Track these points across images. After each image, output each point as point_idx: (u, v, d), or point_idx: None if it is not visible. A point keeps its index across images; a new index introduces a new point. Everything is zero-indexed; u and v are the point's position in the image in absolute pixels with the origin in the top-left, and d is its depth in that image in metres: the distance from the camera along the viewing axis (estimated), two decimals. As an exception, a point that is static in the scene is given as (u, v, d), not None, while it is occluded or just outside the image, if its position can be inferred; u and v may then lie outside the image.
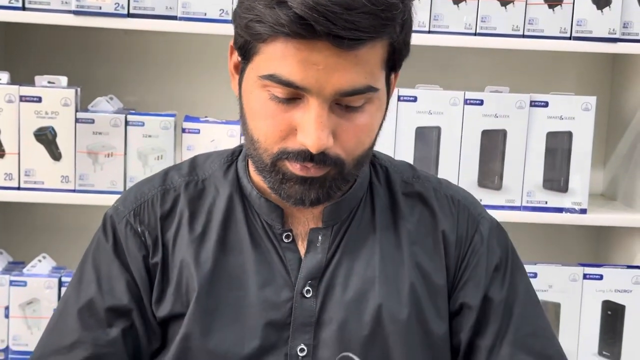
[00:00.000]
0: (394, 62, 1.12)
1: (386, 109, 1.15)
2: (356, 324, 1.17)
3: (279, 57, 1.05)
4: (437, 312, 1.20)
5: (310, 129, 1.06)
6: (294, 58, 1.04)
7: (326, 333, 1.17)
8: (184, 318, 1.17)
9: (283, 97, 1.07)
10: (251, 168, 1.20)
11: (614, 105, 2.33)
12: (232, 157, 1.25)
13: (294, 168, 1.10)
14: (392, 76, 1.15)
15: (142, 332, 1.19)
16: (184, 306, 1.18)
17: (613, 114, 2.33)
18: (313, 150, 1.07)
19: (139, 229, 1.20)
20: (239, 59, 1.13)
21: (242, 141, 1.20)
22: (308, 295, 1.18)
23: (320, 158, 1.08)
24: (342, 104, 1.08)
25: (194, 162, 1.26)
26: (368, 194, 1.23)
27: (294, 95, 1.07)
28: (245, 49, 1.10)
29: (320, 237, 1.19)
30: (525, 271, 1.27)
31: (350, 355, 0.92)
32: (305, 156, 1.08)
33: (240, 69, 1.13)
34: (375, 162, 1.26)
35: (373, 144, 1.15)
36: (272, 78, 1.06)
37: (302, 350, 1.17)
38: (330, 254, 1.19)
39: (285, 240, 1.19)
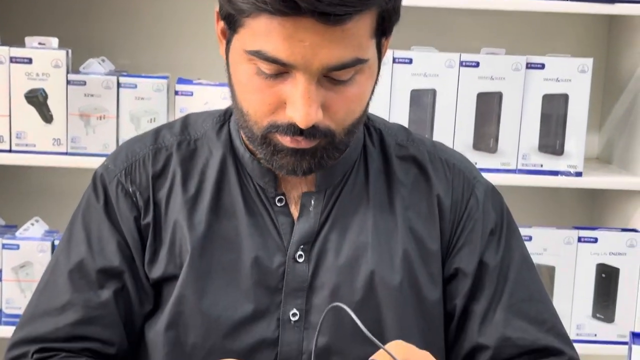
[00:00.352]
0: (383, 30, 1.09)
1: (378, 73, 1.13)
2: (348, 289, 1.17)
3: (264, 33, 1.03)
4: (431, 278, 1.19)
5: (299, 104, 1.05)
6: (278, 35, 1.01)
7: (318, 298, 1.17)
8: (177, 280, 1.16)
9: (270, 72, 1.05)
10: (241, 130, 1.19)
11: (610, 68, 2.32)
12: (225, 117, 1.24)
13: (285, 140, 1.09)
14: (384, 40, 1.12)
15: (134, 294, 1.18)
16: (177, 268, 1.17)
17: (609, 77, 2.32)
18: (302, 126, 1.06)
19: (131, 189, 1.19)
20: (226, 26, 1.11)
21: None
22: (300, 260, 1.17)
23: (310, 131, 1.07)
24: (331, 76, 1.06)
25: (186, 121, 1.24)
26: (361, 158, 1.22)
27: (281, 70, 1.05)
28: (230, 20, 1.07)
29: (312, 202, 1.18)
30: (521, 235, 1.26)
31: (341, 305, 0.91)
32: (294, 130, 1.07)
33: (227, 38, 1.11)
34: (369, 125, 1.24)
35: (365, 111, 1.14)
36: (257, 54, 1.04)
37: (294, 315, 1.17)
38: (323, 218, 1.19)
39: (278, 204, 1.18)
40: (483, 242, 1.21)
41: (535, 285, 1.24)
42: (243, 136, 1.19)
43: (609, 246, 2.07)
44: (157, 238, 1.18)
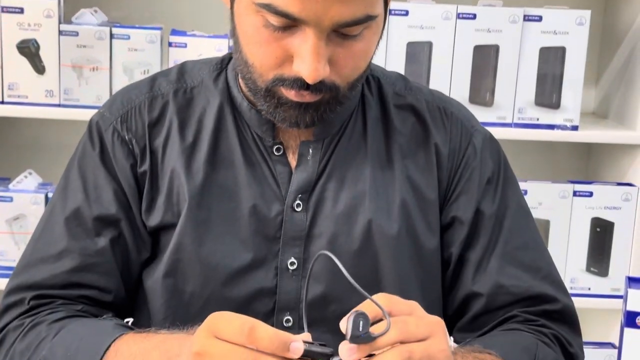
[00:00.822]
0: None
1: (383, 28, 1.13)
2: (346, 238, 1.16)
3: None
4: (429, 227, 1.19)
5: (307, 60, 1.03)
6: None
7: (316, 247, 1.16)
8: (174, 228, 1.16)
9: (279, 25, 1.04)
10: (242, 81, 1.18)
11: (608, 21, 2.30)
12: (222, 65, 1.22)
13: (289, 94, 1.08)
14: None
15: (131, 241, 1.17)
16: (174, 216, 1.16)
17: (606, 31, 2.30)
18: (309, 81, 1.05)
19: (127, 137, 1.17)
20: None
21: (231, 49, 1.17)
22: (298, 210, 1.17)
23: (316, 86, 1.06)
24: (340, 32, 1.05)
25: (182, 69, 1.23)
26: (359, 107, 1.21)
27: (290, 24, 1.04)
28: None
29: (310, 151, 1.17)
30: (518, 184, 1.25)
31: (327, 253, 0.91)
32: (301, 84, 1.06)
33: None
34: (368, 73, 1.23)
35: (368, 66, 1.13)
36: (267, 7, 1.02)
37: (292, 263, 1.16)
38: (321, 167, 1.18)
39: (276, 153, 1.17)
40: (480, 191, 1.20)
41: (530, 233, 1.24)
42: (242, 86, 1.18)
43: (604, 200, 2.07)
44: (153, 186, 1.18)
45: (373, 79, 1.23)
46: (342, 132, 1.19)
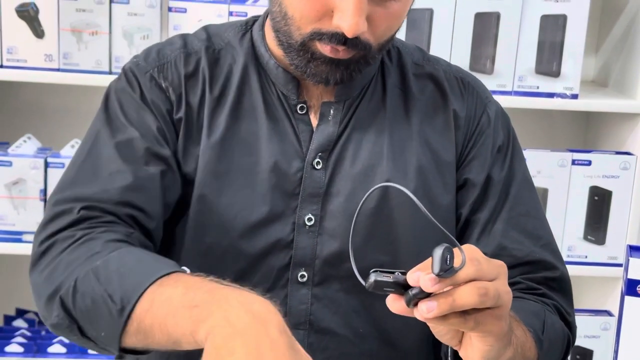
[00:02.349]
0: None
1: None
2: (363, 196, 1.17)
3: None
4: (445, 187, 1.23)
5: (349, 13, 1.06)
6: None
7: (333, 204, 1.20)
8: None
9: None
10: (270, 39, 1.21)
11: (609, -11, 2.29)
12: (247, 26, 1.25)
13: (324, 49, 1.11)
14: None
15: (174, 177, 1.17)
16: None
17: (607, 0, 2.29)
18: (349, 35, 1.08)
19: (163, 85, 1.19)
20: None
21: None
22: (318, 167, 1.20)
23: (352, 42, 1.10)
24: None
25: (208, 31, 1.25)
26: (379, 73, 1.25)
27: None
28: None
29: (332, 111, 1.21)
30: (524, 157, 1.30)
31: (395, 185, 0.93)
32: (339, 39, 1.09)
33: None
34: None
35: (398, 29, 1.17)
36: None
37: (309, 219, 1.19)
38: (341, 128, 1.21)
39: (299, 112, 1.21)
40: (491, 157, 1.25)
41: (533, 203, 1.28)
42: (271, 42, 1.21)
43: (602, 169, 2.08)
44: (189, 136, 1.19)
45: (393, 48, 1.28)
46: (362, 96, 1.23)
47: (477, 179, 1.24)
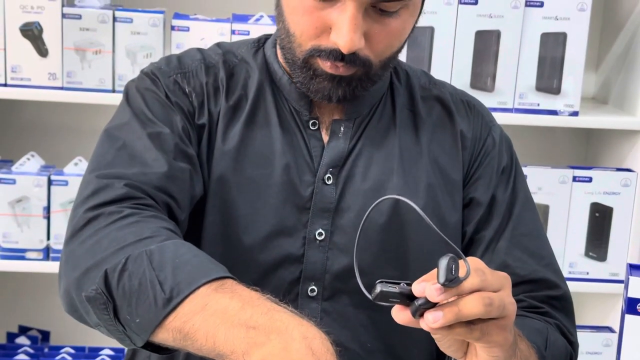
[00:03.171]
0: None
1: (420, 12, 1.19)
2: (373, 212, 1.18)
3: None
4: (453, 205, 1.25)
5: (344, 29, 1.09)
6: None
7: (344, 219, 1.21)
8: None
9: None
10: (281, 53, 1.22)
11: (609, 7, 2.30)
12: (259, 43, 1.28)
13: (325, 65, 1.14)
14: None
15: (197, 176, 1.17)
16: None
17: (607, 16, 2.31)
18: (344, 51, 1.10)
19: (187, 89, 1.20)
20: None
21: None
22: (329, 182, 1.21)
23: (350, 58, 1.12)
24: (378, 7, 1.10)
25: (221, 47, 1.27)
26: (389, 93, 1.28)
27: None
28: None
29: (342, 128, 1.23)
30: (525, 179, 1.33)
31: (401, 197, 0.93)
32: (336, 55, 1.12)
33: None
34: (396, 65, 1.30)
35: (401, 48, 1.18)
36: None
37: (320, 234, 1.20)
38: (352, 144, 1.23)
39: (311, 128, 1.23)
40: (496, 178, 1.27)
41: (535, 224, 1.30)
42: (282, 59, 1.23)
43: (603, 186, 2.08)
44: (208, 143, 1.20)
45: (402, 70, 1.31)
46: (372, 114, 1.25)
47: (483, 199, 1.26)
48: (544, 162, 2.18)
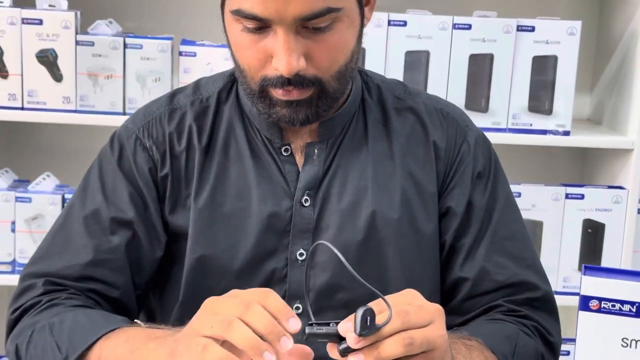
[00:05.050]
0: None
1: (362, 23, 1.20)
2: (351, 229, 1.25)
3: None
4: (427, 216, 1.28)
5: (281, 55, 1.12)
6: None
7: (323, 239, 1.24)
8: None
9: (252, 27, 1.14)
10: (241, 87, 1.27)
11: (602, 32, 2.37)
12: (233, 77, 1.31)
13: (277, 94, 1.17)
14: None
15: (146, 241, 1.25)
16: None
17: (601, 41, 2.37)
18: (285, 74, 1.13)
19: (147, 144, 1.27)
20: None
21: None
22: (306, 205, 1.26)
23: (297, 80, 1.15)
24: (309, 26, 1.13)
25: (197, 84, 1.33)
26: (360, 110, 1.30)
27: (262, 25, 1.13)
28: None
29: (316, 151, 1.27)
30: (507, 180, 1.35)
31: (325, 242, 1.00)
32: (283, 81, 1.15)
33: (220, 2, 1.20)
34: (367, 81, 1.33)
35: (351, 59, 1.20)
36: (238, 12, 1.13)
37: (301, 254, 1.25)
38: (326, 166, 1.27)
39: (284, 154, 1.26)
40: (472, 184, 1.30)
41: (517, 225, 1.33)
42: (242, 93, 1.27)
43: (595, 202, 2.14)
44: (177, 189, 1.26)
45: (373, 85, 1.33)
46: (345, 134, 1.28)
47: (458, 207, 1.28)
48: (537, 180, 2.23)
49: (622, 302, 0.95)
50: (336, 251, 0.97)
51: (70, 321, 1.15)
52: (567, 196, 2.15)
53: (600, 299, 0.96)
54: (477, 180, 1.30)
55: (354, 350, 0.95)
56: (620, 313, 0.95)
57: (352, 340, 0.94)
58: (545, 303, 1.29)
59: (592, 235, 2.14)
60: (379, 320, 0.94)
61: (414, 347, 0.95)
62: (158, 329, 1.11)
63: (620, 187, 2.16)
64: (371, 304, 0.96)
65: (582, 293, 0.97)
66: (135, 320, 1.14)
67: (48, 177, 2.16)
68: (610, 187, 2.17)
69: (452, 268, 1.30)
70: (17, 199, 2.08)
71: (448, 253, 1.30)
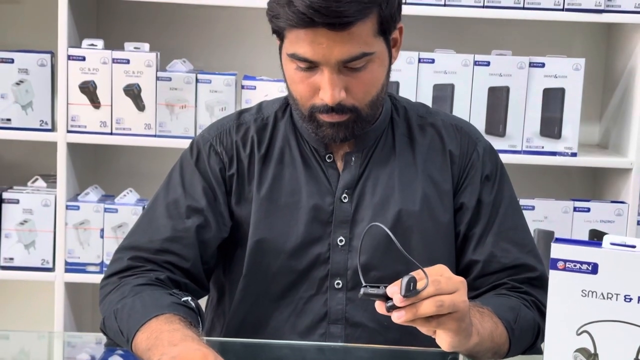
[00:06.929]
0: (384, 30, 1.38)
1: (390, 61, 1.43)
2: (381, 221, 1.42)
3: (296, 41, 1.35)
4: (444, 209, 1.48)
5: (326, 89, 1.35)
6: (305, 41, 1.33)
7: (359, 228, 1.45)
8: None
9: (304, 67, 1.36)
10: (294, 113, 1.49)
11: (609, 68, 2.55)
12: (287, 100, 1.53)
13: (323, 117, 1.39)
14: (392, 36, 1.41)
15: (214, 225, 1.46)
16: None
17: (607, 76, 2.56)
18: (330, 104, 1.36)
19: (219, 150, 1.49)
20: (276, 37, 1.41)
21: None
22: (345, 201, 1.46)
23: (339, 108, 1.37)
24: (348, 66, 1.35)
25: (260, 105, 1.56)
26: (389, 127, 1.50)
27: (312, 65, 1.35)
28: (277, 33, 1.41)
29: (353, 159, 1.47)
30: (510, 183, 1.54)
31: (378, 224, 1.20)
32: (327, 109, 1.37)
33: (279, 45, 1.41)
34: (396, 103, 1.54)
35: (381, 90, 1.41)
36: (294, 56, 1.36)
37: (341, 240, 1.46)
38: (361, 170, 1.47)
39: (328, 160, 1.47)
40: (481, 185, 1.49)
41: (519, 219, 1.53)
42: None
43: (600, 215, 2.35)
44: (241, 186, 1.47)
45: (400, 107, 1.54)
46: (376, 145, 1.49)
47: (470, 203, 1.48)
48: (549, 195, 2.41)
49: (581, 263, 1.15)
50: (389, 232, 1.16)
51: (129, 307, 1.34)
52: (575, 209, 2.35)
53: (565, 261, 1.15)
54: (485, 182, 1.49)
55: (397, 308, 1.15)
56: (580, 271, 1.15)
57: (397, 299, 1.14)
58: (541, 282, 1.46)
59: (597, 243, 2.36)
60: (418, 286, 1.14)
61: (443, 308, 1.15)
62: (174, 329, 1.28)
63: (622, 202, 2.37)
64: (413, 273, 1.15)
65: (551, 257, 1.17)
66: (184, 299, 1.36)
67: (130, 192, 2.39)
68: (613, 201, 2.38)
69: (465, 253, 1.50)
70: (105, 209, 2.33)
71: (462, 240, 1.49)
